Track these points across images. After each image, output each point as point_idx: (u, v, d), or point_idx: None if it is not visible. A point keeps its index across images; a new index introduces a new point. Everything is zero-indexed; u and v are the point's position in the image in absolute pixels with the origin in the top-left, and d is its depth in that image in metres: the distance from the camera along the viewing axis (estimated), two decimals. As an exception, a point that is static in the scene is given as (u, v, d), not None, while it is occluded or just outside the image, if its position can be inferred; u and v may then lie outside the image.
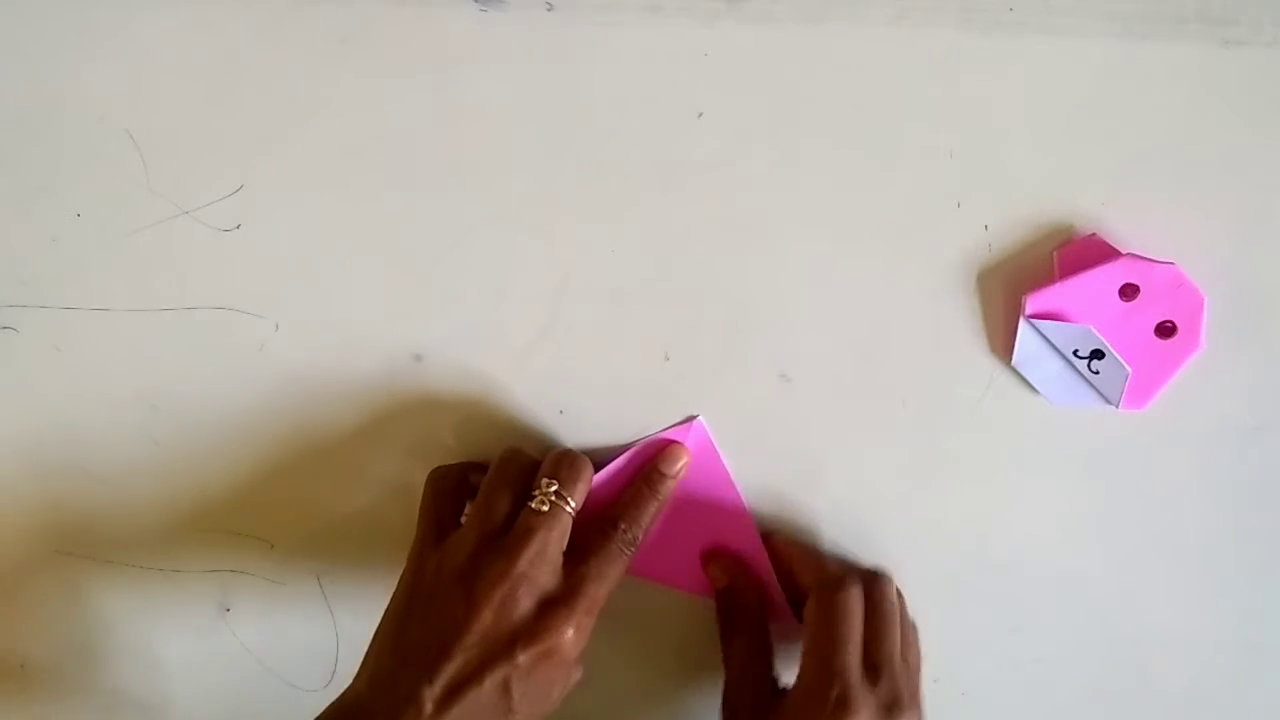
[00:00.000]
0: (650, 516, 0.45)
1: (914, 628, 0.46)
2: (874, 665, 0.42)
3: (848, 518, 0.48)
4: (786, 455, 0.47)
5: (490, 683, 0.39)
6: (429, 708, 0.38)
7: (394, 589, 0.43)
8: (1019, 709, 0.50)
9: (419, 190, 0.44)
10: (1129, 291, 0.42)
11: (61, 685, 0.53)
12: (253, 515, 0.50)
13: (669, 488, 0.45)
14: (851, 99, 0.42)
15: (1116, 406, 0.44)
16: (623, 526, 0.44)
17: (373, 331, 0.46)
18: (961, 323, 0.44)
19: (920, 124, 0.42)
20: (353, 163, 0.44)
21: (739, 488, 0.47)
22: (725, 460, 0.47)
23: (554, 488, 0.42)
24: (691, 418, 0.46)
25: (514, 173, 0.44)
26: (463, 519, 0.44)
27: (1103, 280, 0.42)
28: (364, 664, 0.42)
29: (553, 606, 0.40)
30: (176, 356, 0.47)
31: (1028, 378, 0.44)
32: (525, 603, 0.40)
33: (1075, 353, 0.43)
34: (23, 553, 0.51)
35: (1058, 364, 0.43)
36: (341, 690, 0.41)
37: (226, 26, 0.43)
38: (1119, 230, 0.42)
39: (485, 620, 0.40)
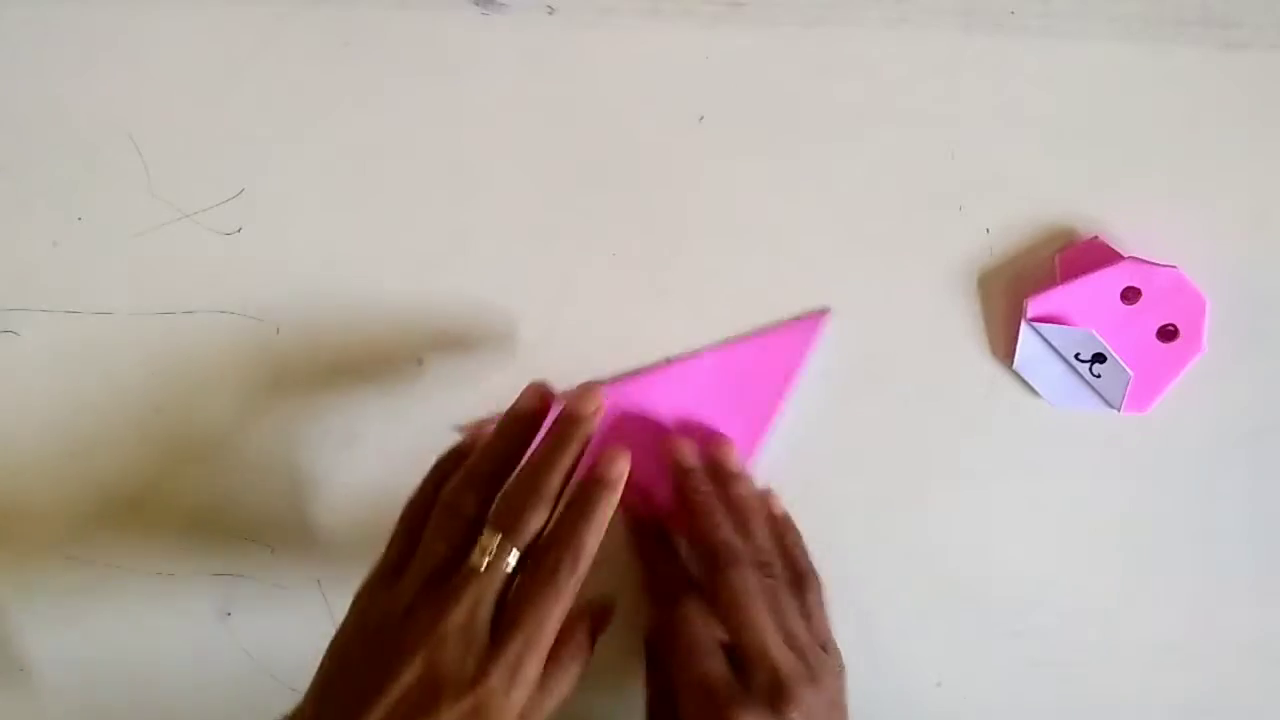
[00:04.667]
0: (594, 538, 0.38)
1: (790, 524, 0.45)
2: (790, 634, 0.39)
3: (848, 519, 0.48)
4: (787, 455, 0.47)
5: None
6: None
7: (345, 617, 0.40)
8: (1020, 712, 0.50)
9: (420, 193, 0.44)
10: (1131, 295, 0.42)
11: (62, 688, 0.53)
12: (254, 519, 0.50)
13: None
14: (852, 101, 0.42)
15: (1118, 410, 0.44)
16: (553, 558, 0.38)
17: (374, 335, 0.46)
18: (963, 325, 0.44)
19: (921, 126, 0.42)
20: (354, 166, 0.44)
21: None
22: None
23: (497, 539, 0.38)
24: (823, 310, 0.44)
25: (515, 175, 0.44)
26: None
27: (1104, 283, 0.42)
28: (306, 697, 0.39)
29: (484, 661, 0.37)
30: (178, 360, 0.47)
31: (1029, 381, 0.44)
32: (454, 658, 0.37)
33: (1077, 356, 0.43)
34: (24, 556, 0.51)
35: (1059, 367, 0.43)
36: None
37: (228, 30, 0.43)
38: (1121, 233, 0.42)
39: (409, 676, 0.37)
